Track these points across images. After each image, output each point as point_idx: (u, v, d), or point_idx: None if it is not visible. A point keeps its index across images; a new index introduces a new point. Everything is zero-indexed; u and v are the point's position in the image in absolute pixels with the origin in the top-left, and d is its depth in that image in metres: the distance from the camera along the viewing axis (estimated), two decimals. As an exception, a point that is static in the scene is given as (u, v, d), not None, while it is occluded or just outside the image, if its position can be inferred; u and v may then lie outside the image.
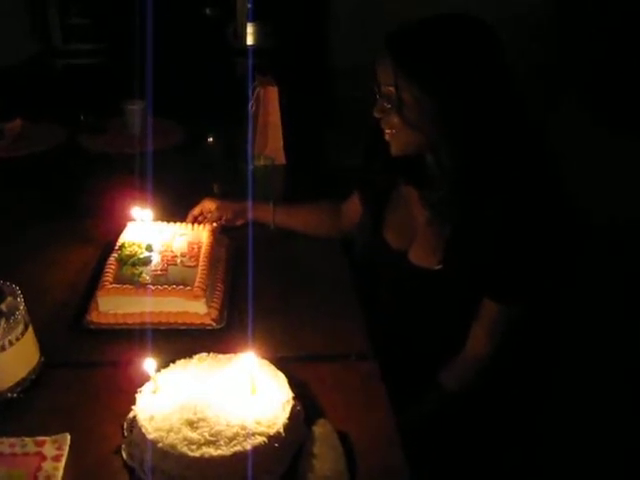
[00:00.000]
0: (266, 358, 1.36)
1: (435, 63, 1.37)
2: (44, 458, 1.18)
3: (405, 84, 1.38)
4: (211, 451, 1.15)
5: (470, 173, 1.41)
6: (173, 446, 1.15)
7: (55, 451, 1.20)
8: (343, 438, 1.27)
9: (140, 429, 1.19)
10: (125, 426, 1.27)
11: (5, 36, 3.04)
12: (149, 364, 1.27)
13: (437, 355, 1.54)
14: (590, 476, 1.91)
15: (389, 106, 1.42)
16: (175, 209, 1.96)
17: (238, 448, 1.15)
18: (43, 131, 2.58)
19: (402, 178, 1.61)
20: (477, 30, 1.40)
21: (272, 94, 2.28)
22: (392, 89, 1.40)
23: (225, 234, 1.89)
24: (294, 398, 1.27)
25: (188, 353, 1.40)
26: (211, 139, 2.62)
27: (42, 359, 1.43)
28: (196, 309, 1.55)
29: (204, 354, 1.37)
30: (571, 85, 3.40)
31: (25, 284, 1.49)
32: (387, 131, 1.48)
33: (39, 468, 1.16)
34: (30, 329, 1.39)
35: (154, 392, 1.26)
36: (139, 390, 1.28)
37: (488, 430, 1.51)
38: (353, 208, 1.82)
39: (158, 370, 1.30)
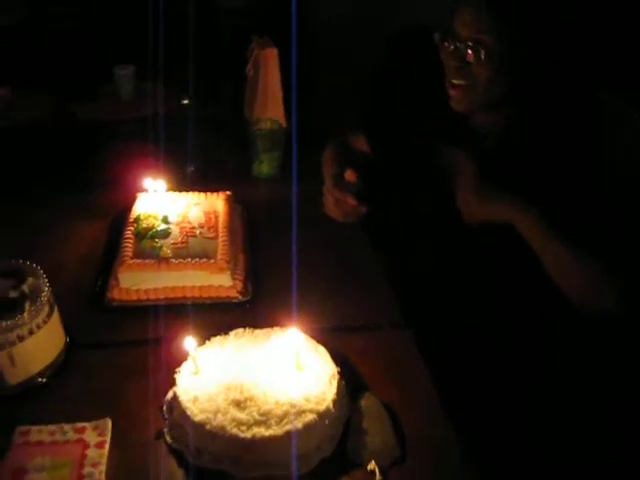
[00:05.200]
0: (300, 328, 1.32)
1: (541, 11, 1.32)
2: (87, 445, 1.14)
3: (503, 33, 1.32)
4: (262, 431, 1.11)
5: (531, 132, 1.39)
6: (222, 427, 1.12)
7: (97, 437, 1.16)
8: (387, 409, 1.24)
9: (184, 411, 1.15)
10: (165, 408, 1.23)
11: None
12: (189, 343, 1.22)
13: (475, 319, 1.51)
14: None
15: (477, 56, 1.35)
16: (182, 177, 1.90)
17: (289, 427, 1.12)
18: (31, 99, 2.46)
19: (443, 137, 1.55)
20: None
21: (271, 56, 2.20)
22: (489, 37, 1.33)
23: (238, 202, 1.83)
24: (339, 372, 1.24)
25: (218, 328, 1.37)
26: (186, 101, 2.54)
27: (68, 340, 1.38)
28: (221, 282, 1.51)
29: (240, 330, 1.33)
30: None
31: (37, 261, 1.44)
32: (456, 82, 1.41)
33: (84, 456, 1.12)
34: (56, 310, 1.33)
35: (195, 373, 1.21)
36: (177, 370, 1.24)
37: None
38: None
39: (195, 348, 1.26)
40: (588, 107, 1.43)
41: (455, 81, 1.41)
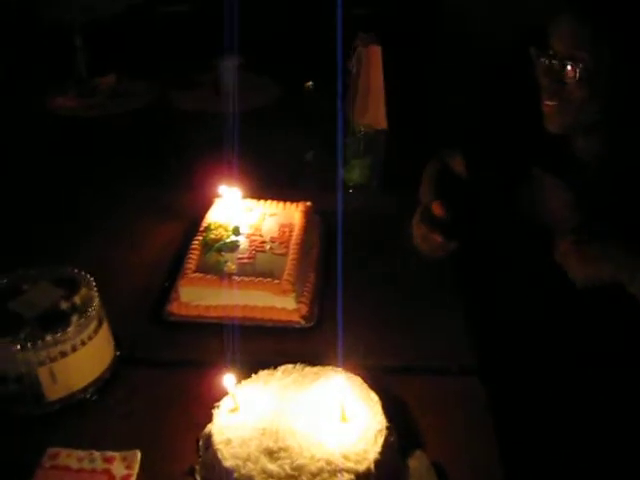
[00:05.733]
0: (356, 366, 1.23)
1: None
2: (112, 477, 1.09)
3: (603, 49, 1.19)
4: (292, 488, 1.02)
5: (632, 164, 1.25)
6: (250, 478, 1.03)
7: (124, 470, 1.10)
8: (439, 471, 1.12)
9: (215, 453, 1.08)
10: (201, 443, 1.16)
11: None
12: (228, 380, 1.14)
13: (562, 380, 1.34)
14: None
15: (571, 74, 1.22)
16: (267, 182, 1.82)
17: (322, 486, 1.02)
18: (138, 87, 2.46)
19: (540, 164, 1.41)
20: None
21: (375, 54, 2.07)
22: (585, 55, 1.20)
23: (319, 214, 1.73)
24: (388, 428, 1.12)
25: (275, 354, 1.32)
26: (310, 83, 2.45)
27: (118, 354, 1.34)
28: (284, 304, 1.42)
29: (289, 366, 1.23)
30: None
31: (103, 263, 1.44)
32: (550, 103, 1.28)
33: (107, 489, 1.07)
34: (105, 325, 1.29)
35: (233, 411, 1.14)
36: (216, 405, 1.16)
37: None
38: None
39: (238, 381, 1.18)
40: None
41: (548, 101, 1.27)
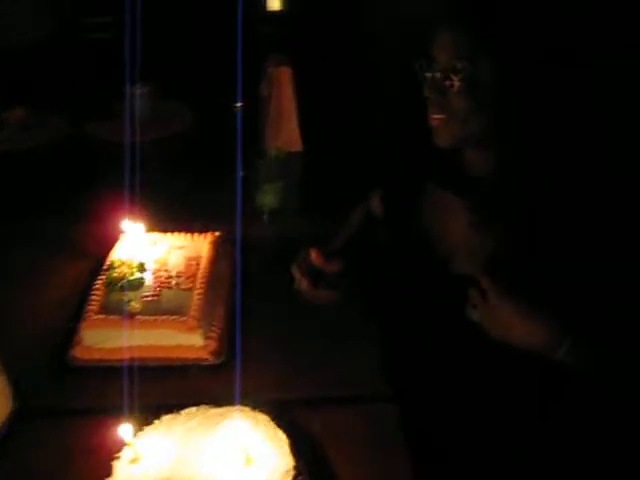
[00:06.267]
0: (265, 403, 1.21)
1: (530, 34, 1.16)
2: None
3: (483, 58, 1.17)
4: (194, 540, 0.98)
5: (527, 171, 1.22)
6: (152, 533, 0.99)
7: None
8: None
9: (116, 508, 1.03)
10: (104, 498, 1.11)
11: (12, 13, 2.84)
12: (125, 430, 1.09)
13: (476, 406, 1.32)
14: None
15: (452, 84, 1.19)
16: (176, 213, 1.78)
17: (226, 536, 0.98)
18: (49, 119, 2.38)
19: (433, 180, 1.39)
20: None
21: (285, 76, 2.06)
22: (464, 64, 1.17)
23: (229, 244, 1.68)
24: (295, 467, 1.09)
25: (184, 396, 1.28)
26: (240, 104, 2.41)
27: (16, 406, 1.27)
28: (191, 342, 1.38)
29: (193, 409, 1.19)
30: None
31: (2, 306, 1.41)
32: (436, 116, 1.25)
33: None
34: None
35: (133, 461, 1.09)
36: (116, 456, 1.11)
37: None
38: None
39: (141, 428, 1.13)
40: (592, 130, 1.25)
41: (434, 115, 1.25)
